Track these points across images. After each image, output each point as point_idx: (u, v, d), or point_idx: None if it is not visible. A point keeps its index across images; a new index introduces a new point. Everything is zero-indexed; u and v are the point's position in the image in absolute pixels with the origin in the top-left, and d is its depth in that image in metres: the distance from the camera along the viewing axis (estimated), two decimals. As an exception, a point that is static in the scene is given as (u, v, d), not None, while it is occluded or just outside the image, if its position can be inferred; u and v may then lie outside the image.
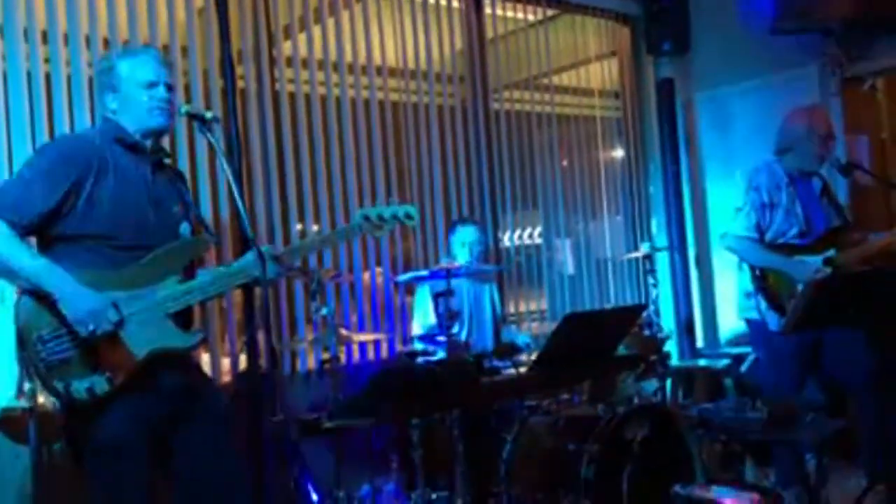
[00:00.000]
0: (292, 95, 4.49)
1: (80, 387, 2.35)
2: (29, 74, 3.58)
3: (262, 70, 4.34)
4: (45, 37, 3.65)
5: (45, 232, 2.45)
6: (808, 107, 4.14)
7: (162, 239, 2.53)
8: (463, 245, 4.35)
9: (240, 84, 4.16)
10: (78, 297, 2.34)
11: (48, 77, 3.64)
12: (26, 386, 2.84)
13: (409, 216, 2.85)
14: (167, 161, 2.75)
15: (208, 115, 2.49)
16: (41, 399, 2.84)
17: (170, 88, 2.58)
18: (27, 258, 2.37)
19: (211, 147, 2.86)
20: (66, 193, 2.40)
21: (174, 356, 2.50)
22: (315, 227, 4.52)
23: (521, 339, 4.42)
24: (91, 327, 2.33)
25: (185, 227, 2.63)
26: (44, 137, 3.57)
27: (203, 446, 2.58)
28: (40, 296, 2.36)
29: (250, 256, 2.56)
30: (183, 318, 2.54)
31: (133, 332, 2.41)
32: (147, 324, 2.43)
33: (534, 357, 3.39)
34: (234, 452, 2.64)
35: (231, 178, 2.46)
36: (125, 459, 2.40)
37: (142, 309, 2.43)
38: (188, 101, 3.94)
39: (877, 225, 4.43)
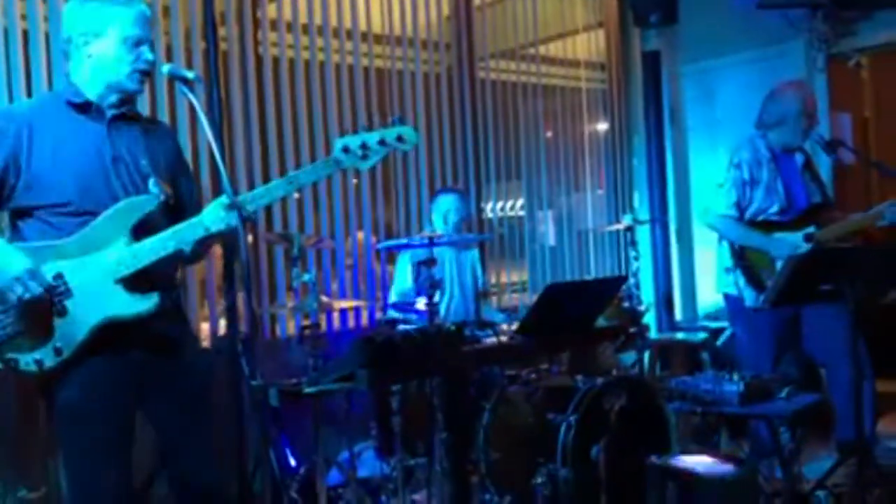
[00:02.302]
0: (276, 59, 4.43)
1: (28, 360, 2.29)
2: (6, 31, 3.50)
3: (246, 32, 4.27)
4: (22, -8, 3.58)
5: (2, 210, 2.38)
6: (795, 82, 4.14)
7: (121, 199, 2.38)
8: (440, 215, 4.32)
9: (222, 46, 4.09)
10: (4, 264, 2.25)
11: (26, 34, 3.57)
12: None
13: (401, 139, 2.49)
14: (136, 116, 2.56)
15: (190, 74, 2.41)
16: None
17: (151, 49, 2.46)
18: None
19: (192, 108, 2.74)
20: (2, 173, 2.32)
21: (146, 318, 2.36)
22: (296, 196, 4.47)
23: (499, 317, 4.40)
24: (18, 292, 2.23)
25: (153, 183, 2.46)
26: (21, 95, 3.50)
27: (176, 414, 2.49)
28: None
29: (209, 209, 2.41)
30: (142, 281, 2.36)
31: (81, 302, 2.31)
32: (96, 292, 2.32)
33: (514, 327, 3.40)
34: (210, 424, 2.55)
35: (212, 138, 2.36)
36: (87, 424, 2.35)
37: (90, 276, 2.32)
38: (169, 61, 3.87)
39: (857, 203, 4.46)
